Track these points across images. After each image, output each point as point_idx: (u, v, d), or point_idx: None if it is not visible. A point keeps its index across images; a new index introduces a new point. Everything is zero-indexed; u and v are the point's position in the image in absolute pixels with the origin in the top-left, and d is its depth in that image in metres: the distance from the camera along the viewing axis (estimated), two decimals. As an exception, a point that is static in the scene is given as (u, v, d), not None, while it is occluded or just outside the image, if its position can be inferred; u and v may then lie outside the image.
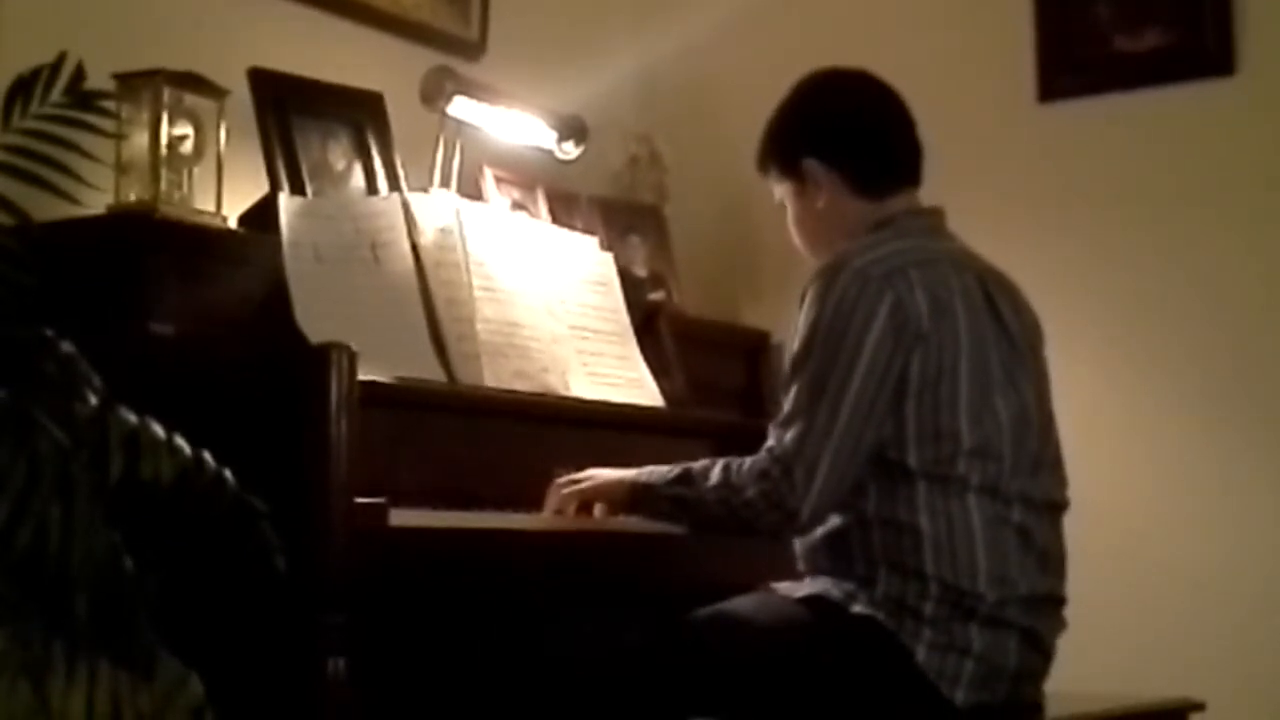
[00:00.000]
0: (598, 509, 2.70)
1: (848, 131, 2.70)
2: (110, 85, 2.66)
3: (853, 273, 2.49)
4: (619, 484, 2.67)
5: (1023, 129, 3.82)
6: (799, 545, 2.61)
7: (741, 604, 2.56)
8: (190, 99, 2.82)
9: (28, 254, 2.06)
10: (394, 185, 3.10)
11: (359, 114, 3.13)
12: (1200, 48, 3.64)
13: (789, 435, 2.46)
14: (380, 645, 2.49)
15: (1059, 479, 2.62)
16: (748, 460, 2.49)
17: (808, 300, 2.53)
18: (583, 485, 2.72)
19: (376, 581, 2.40)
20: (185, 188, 2.81)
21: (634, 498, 2.64)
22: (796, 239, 2.75)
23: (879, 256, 2.52)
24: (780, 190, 2.74)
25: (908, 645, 2.42)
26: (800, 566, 2.61)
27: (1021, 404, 2.54)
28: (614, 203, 3.77)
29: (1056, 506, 2.60)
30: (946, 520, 2.45)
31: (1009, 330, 2.58)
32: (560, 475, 2.76)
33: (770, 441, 2.49)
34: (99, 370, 2.07)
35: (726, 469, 2.51)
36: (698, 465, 2.57)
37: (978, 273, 2.60)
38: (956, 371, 2.48)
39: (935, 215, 2.70)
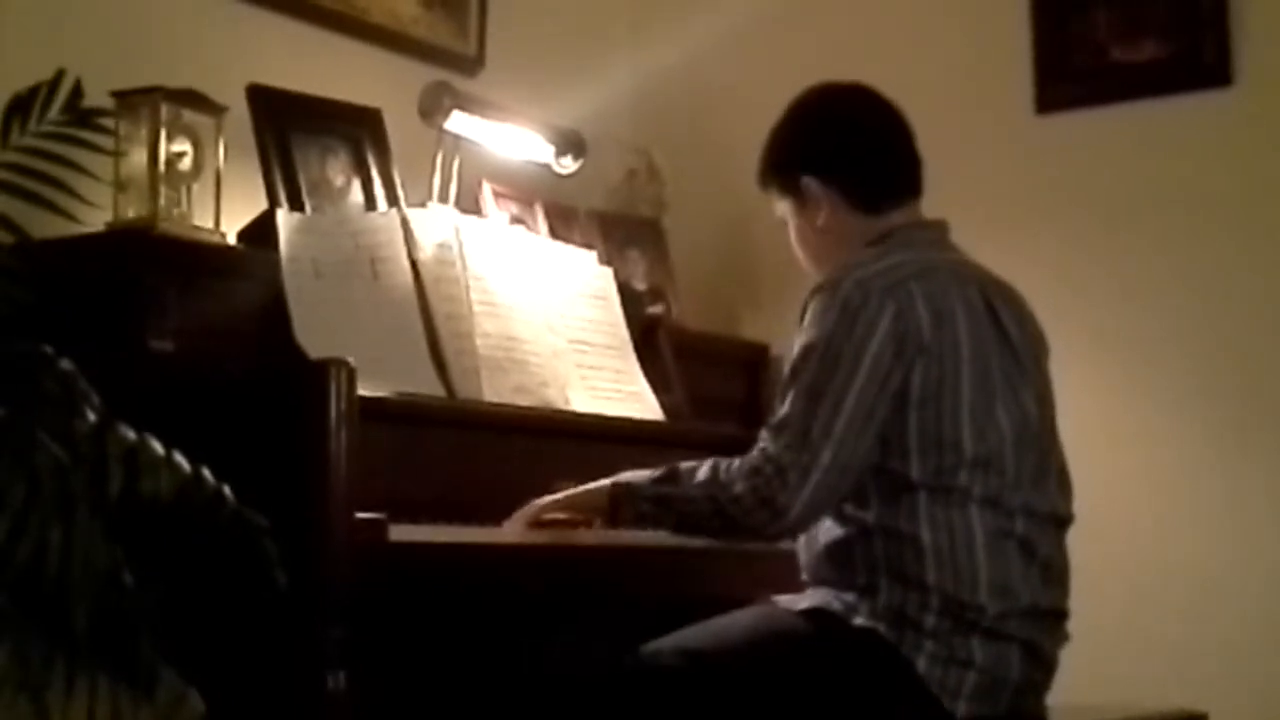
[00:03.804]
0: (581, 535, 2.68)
1: (844, 148, 2.69)
2: (108, 103, 2.67)
3: (854, 284, 2.49)
4: (598, 490, 2.65)
5: (1020, 140, 3.82)
6: (803, 556, 2.61)
7: (743, 617, 2.56)
8: (189, 116, 2.82)
9: (27, 272, 2.06)
10: (392, 201, 3.10)
11: (357, 130, 3.13)
12: (1197, 58, 3.64)
13: (785, 437, 2.45)
14: (380, 660, 2.49)
15: (1063, 491, 2.62)
16: (738, 459, 2.48)
17: (809, 315, 2.52)
18: (561, 496, 2.70)
19: (376, 596, 2.40)
20: (184, 204, 2.81)
21: (614, 500, 2.61)
22: (799, 255, 2.75)
23: (880, 269, 2.52)
24: (781, 207, 2.74)
25: (909, 657, 2.42)
26: (803, 576, 2.61)
27: (1023, 415, 2.54)
28: (612, 217, 3.77)
29: (1060, 519, 2.60)
30: (948, 531, 2.45)
31: (1011, 341, 2.58)
32: (558, 487, 2.75)
33: (763, 443, 2.48)
34: (98, 387, 2.08)
35: (715, 467, 2.50)
36: (684, 465, 2.55)
37: (980, 284, 2.60)
38: (958, 383, 2.48)
39: (938, 227, 2.70)
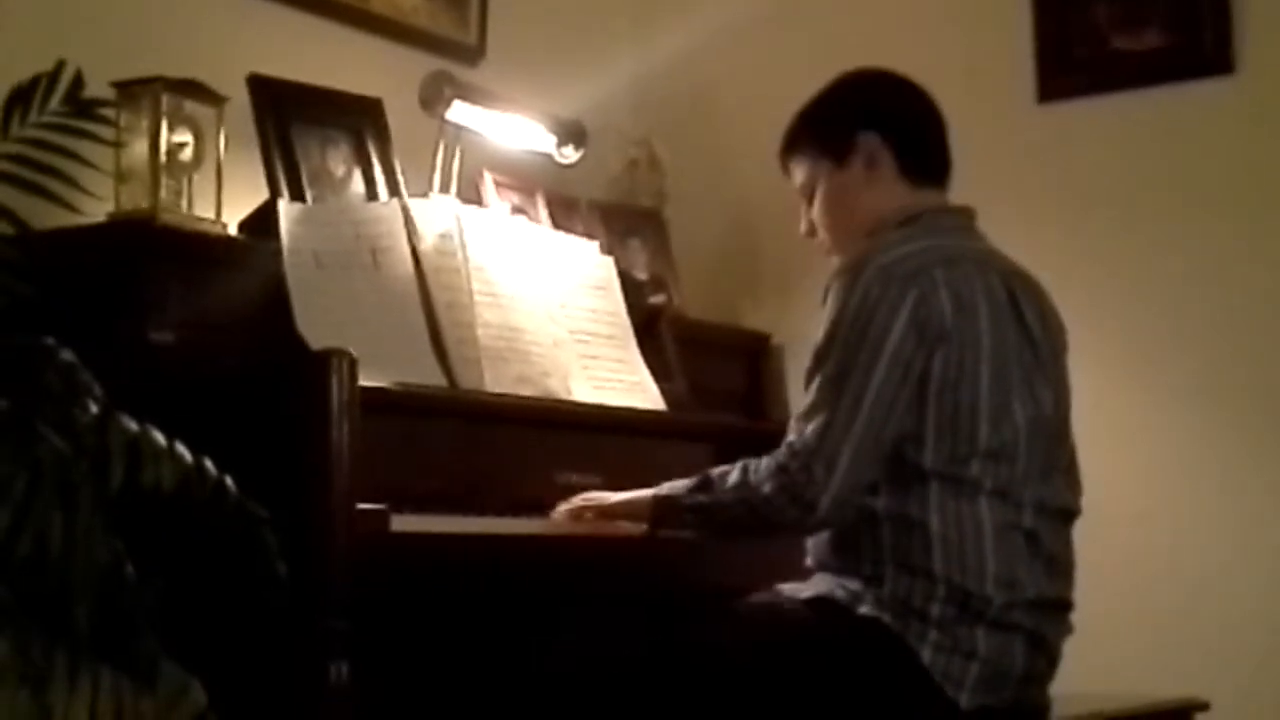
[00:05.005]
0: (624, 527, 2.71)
1: (908, 111, 2.69)
2: (109, 93, 2.66)
3: (877, 269, 2.47)
4: (641, 501, 2.67)
5: (1022, 129, 3.82)
6: (809, 541, 2.60)
7: (745, 606, 2.56)
8: (189, 106, 2.82)
9: (28, 263, 2.06)
10: (394, 191, 3.10)
11: (358, 120, 3.13)
12: (1199, 47, 3.64)
13: (809, 429, 2.45)
14: (382, 651, 2.49)
15: (1072, 485, 2.61)
16: (766, 458, 2.48)
17: (831, 297, 2.51)
18: (608, 502, 2.73)
19: (378, 587, 2.40)
20: (185, 195, 2.81)
21: (657, 513, 2.63)
22: (823, 222, 2.69)
23: (904, 254, 2.50)
24: (809, 173, 2.70)
25: (913, 647, 2.42)
26: (809, 562, 2.61)
27: (1038, 408, 2.53)
28: (614, 207, 3.77)
29: (1068, 513, 2.59)
30: (957, 521, 2.44)
31: (1031, 333, 2.57)
32: (560, 478, 2.76)
33: (790, 435, 2.48)
34: (99, 378, 2.07)
35: (745, 469, 2.50)
36: (716, 470, 2.56)
37: (1003, 274, 2.58)
38: (977, 373, 2.47)
39: (965, 214, 2.68)
